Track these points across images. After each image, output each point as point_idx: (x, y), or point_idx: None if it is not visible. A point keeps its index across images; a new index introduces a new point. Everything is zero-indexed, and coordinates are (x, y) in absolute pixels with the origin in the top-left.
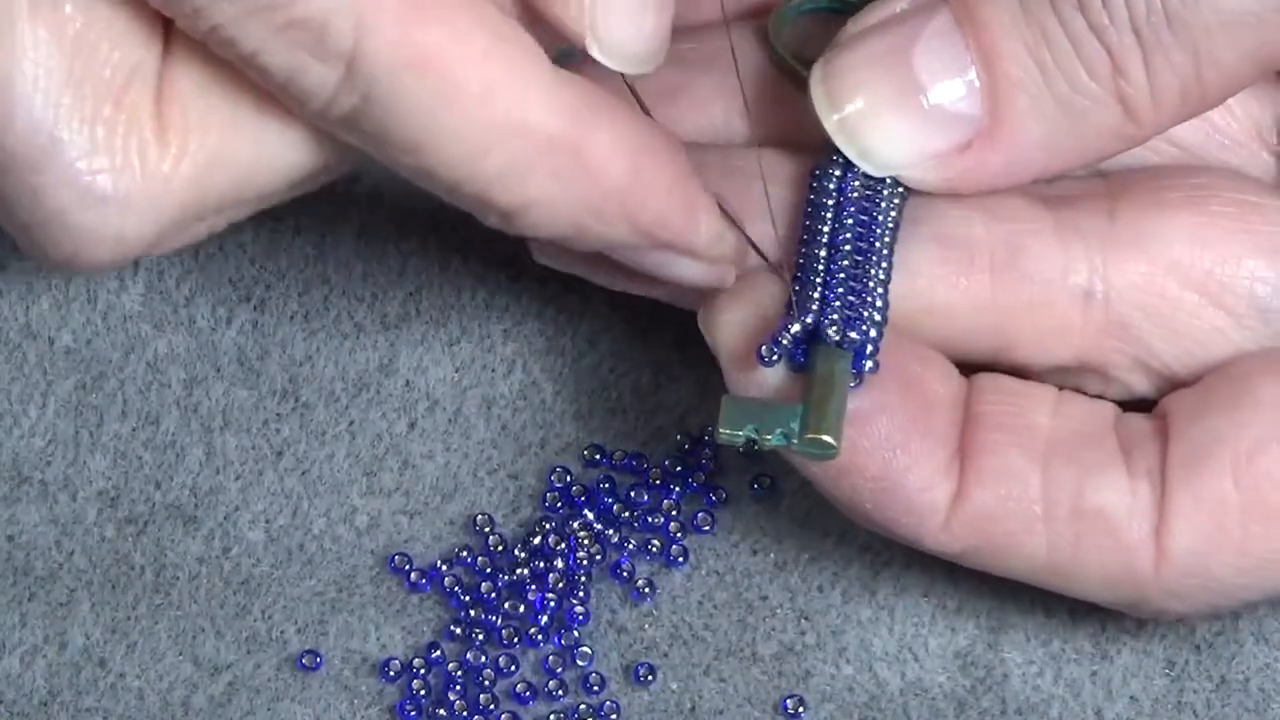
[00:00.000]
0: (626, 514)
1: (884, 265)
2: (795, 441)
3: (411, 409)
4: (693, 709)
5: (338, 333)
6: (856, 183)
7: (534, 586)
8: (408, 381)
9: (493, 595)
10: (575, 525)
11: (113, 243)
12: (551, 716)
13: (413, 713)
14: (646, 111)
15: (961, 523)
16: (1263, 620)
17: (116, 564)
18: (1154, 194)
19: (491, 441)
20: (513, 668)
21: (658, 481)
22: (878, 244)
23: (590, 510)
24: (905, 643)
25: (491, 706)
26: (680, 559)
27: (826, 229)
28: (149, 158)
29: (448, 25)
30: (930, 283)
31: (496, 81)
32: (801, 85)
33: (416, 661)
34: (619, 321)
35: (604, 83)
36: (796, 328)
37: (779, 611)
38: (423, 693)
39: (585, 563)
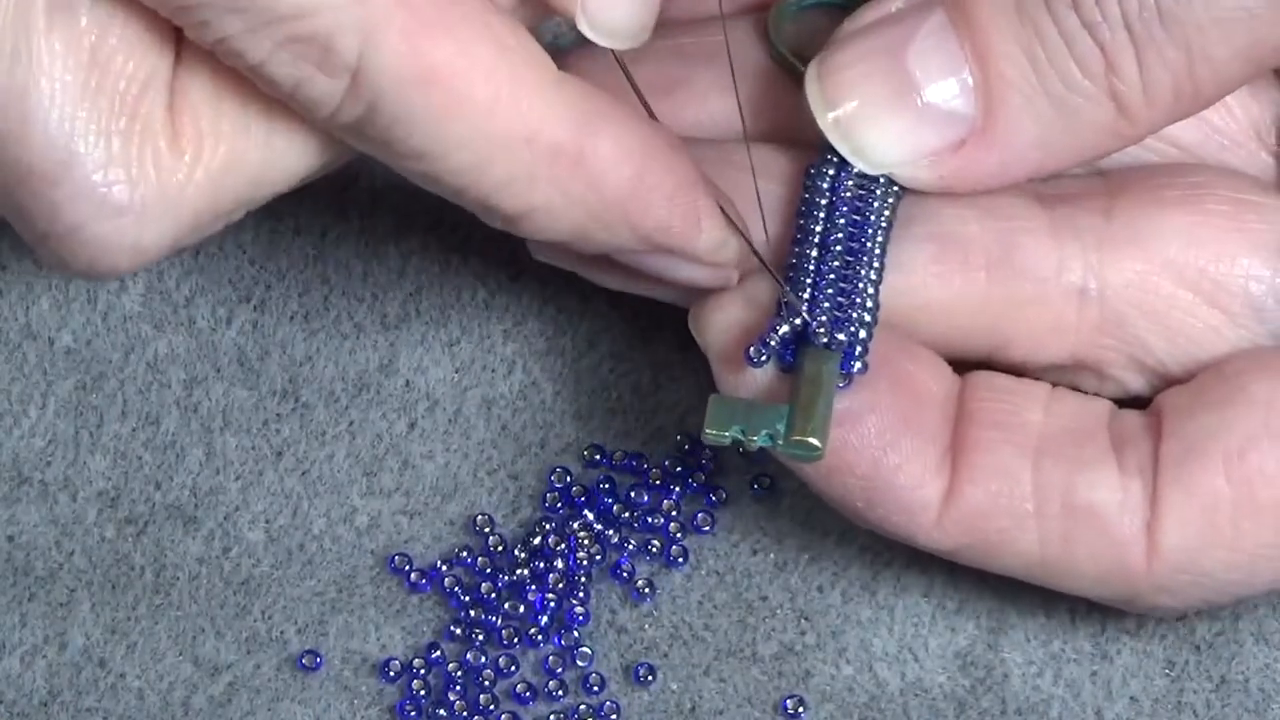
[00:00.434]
0: (626, 514)
1: (875, 265)
2: (781, 443)
3: (411, 409)
4: (693, 709)
5: (338, 333)
6: (850, 181)
7: (534, 587)
8: (408, 381)
9: (493, 595)
10: (575, 525)
11: (130, 252)
12: (551, 717)
13: (413, 713)
14: (646, 107)
15: (954, 520)
16: (1263, 620)
17: (116, 564)
18: (1150, 192)
19: (491, 441)
20: (513, 668)
21: (658, 481)
22: (869, 244)
23: (590, 510)
24: (905, 643)
25: (491, 707)
26: (680, 559)
27: (819, 228)
28: (164, 167)
29: (453, 38)
30: (925, 280)
31: (501, 93)
32: (800, 81)
33: (416, 661)
34: (619, 321)
35: (607, 88)
36: (785, 329)
37: (779, 611)
38: (423, 693)
39: (585, 563)
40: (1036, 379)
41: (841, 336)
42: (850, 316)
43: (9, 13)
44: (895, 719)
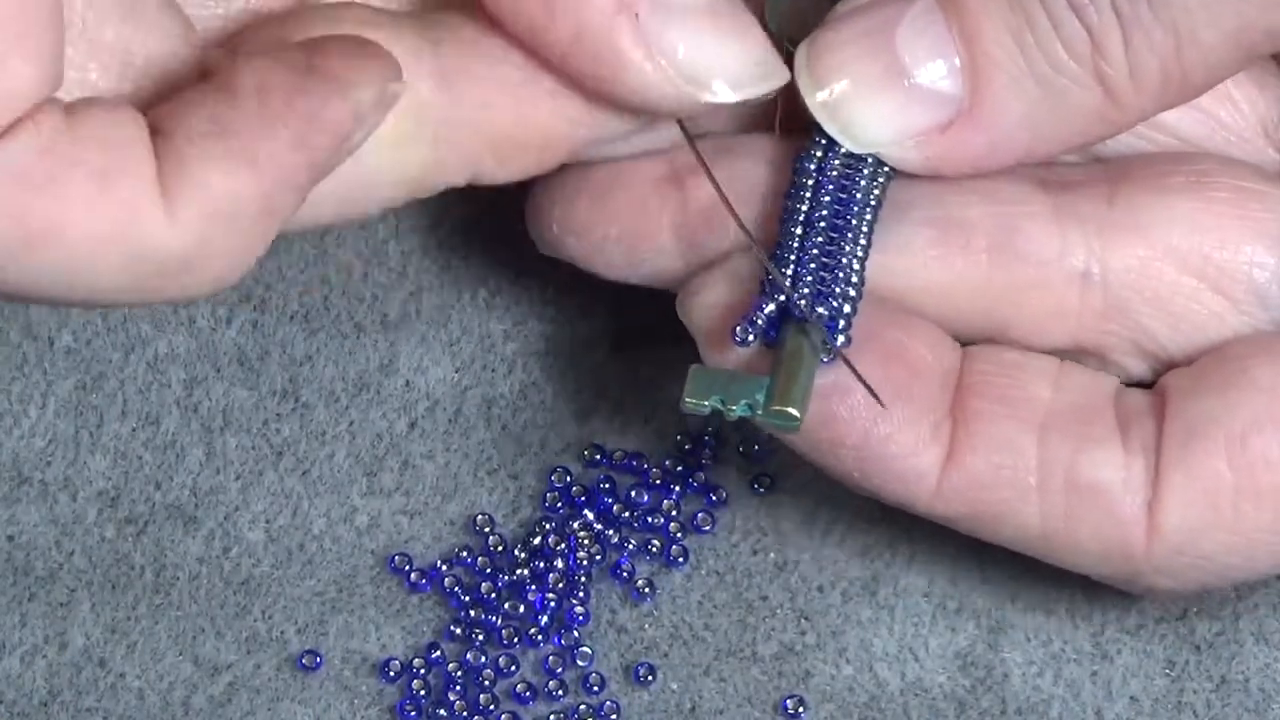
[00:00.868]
0: (626, 514)
1: (861, 243)
2: (760, 413)
3: (411, 409)
4: (693, 709)
5: (338, 333)
6: (837, 162)
7: (534, 586)
8: (408, 381)
9: (493, 595)
10: (575, 525)
11: None
12: (551, 716)
13: (413, 713)
14: (704, 166)
15: (954, 489)
16: (1263, 620)
17: (116, 564)
18: (1154, 179)
19: (491, 441)
20: (513, 668)
21: (658, 481)
22: (854, 221)
23: (590, 510)
24: (905, 643)
25: (491, 706)
26: (680, 559)
27: (804, 206)
28: None
29: (52, 194)
30: (926, 263)
31: (113, 228)
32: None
33: (416, 661)
34: (619, 321)
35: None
36: (770, 307)
37: (779, 611)
38: (423, 693)
39: (585, 563)
40: None
41: (822, 310)
42: (833, 291)
43: None
44: (895, 719)
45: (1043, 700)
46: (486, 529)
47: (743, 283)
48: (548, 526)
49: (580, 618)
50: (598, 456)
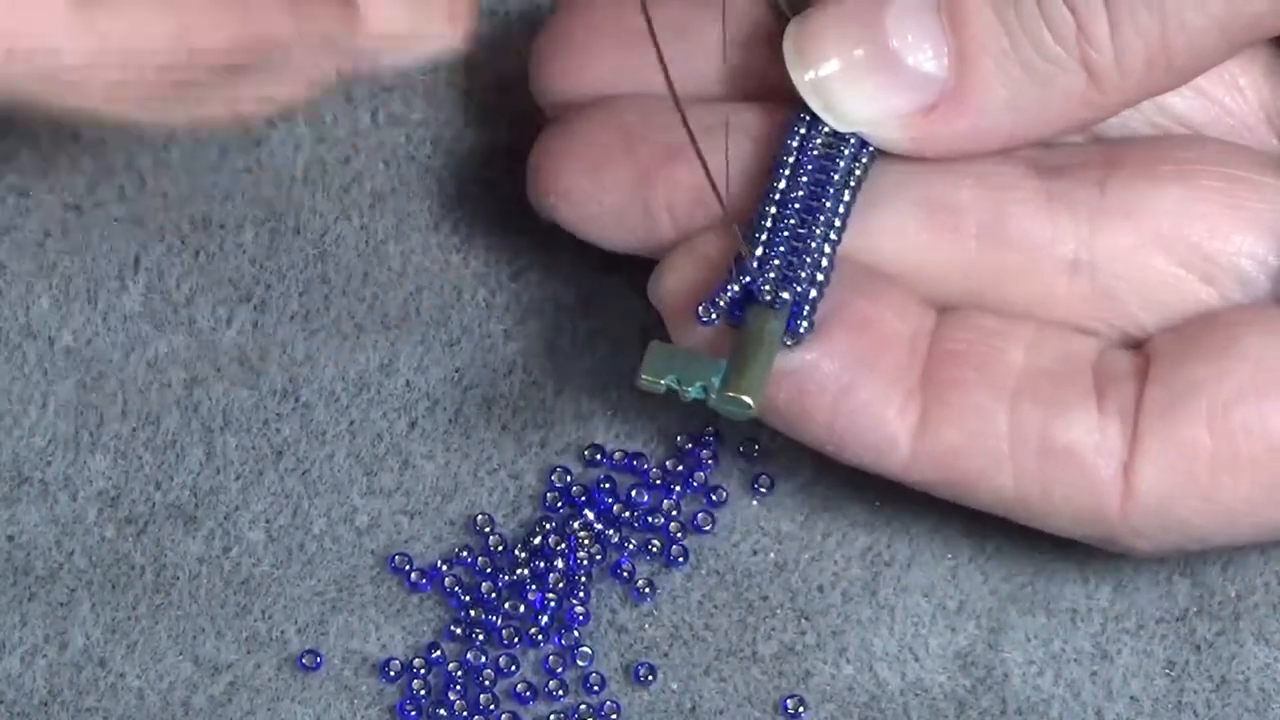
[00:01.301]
0: (626, 514)
1: (834, 225)
2: (714, 396)
3: (411, 409)
4: (693, 709)
5: (338, 333)
6: (819, 141)
7: (534, 586)
8: (408, 381)
9: (493, 595)
10: (575, 525)
11: None
12: (551, 716)
13: (413, 713)
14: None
15: (928, 457)
16: (1263, 620)
17: (116, 564)
18: (1146, 166)
19: (491, 441)
20: (513, 668)
21: (658, 481)
22: (829, 203)
23: (590, 510)
24: (905, 643)
25: (491, 706)
26: (680, 559)
27: (781, 185)
28: None
29: None
30: (916, 245)
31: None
32: None
33: (416, 661)
34: (619, 322)
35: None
36: (735, 289)
37: (779, 611)
38: (423, 693)
39: (585, 563)
40: None
41: (786, 295)
42: (799, 276)
43: None
44: (895, 719)
45: (1043, 700)
46: (486, 529)
47: (712, 261)
48: (548, 526)
49: (580, 618)
50: (598, 456)
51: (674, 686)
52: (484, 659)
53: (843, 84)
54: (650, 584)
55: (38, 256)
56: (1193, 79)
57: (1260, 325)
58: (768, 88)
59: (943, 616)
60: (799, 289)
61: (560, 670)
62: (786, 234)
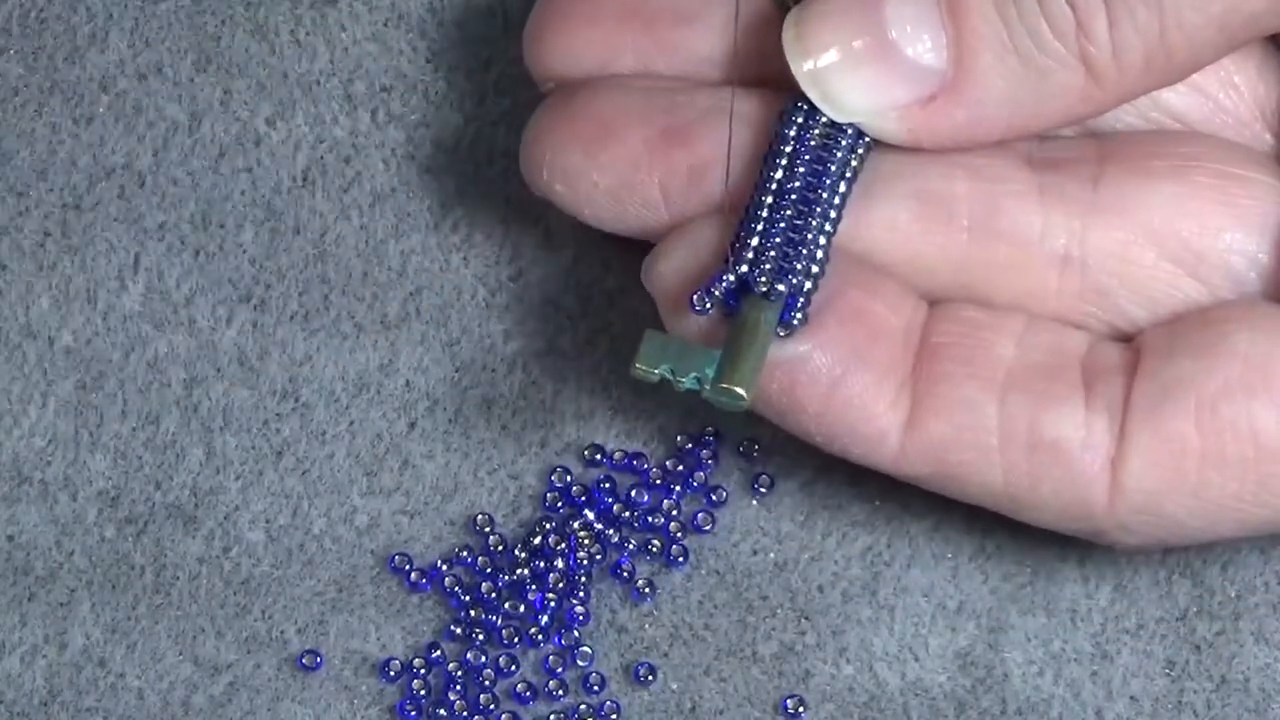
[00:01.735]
0: (626, 514)
1: (830, 216)
2: (708, 388)
3: (411, 409)
4: (693, 709)
5: (338, 333)
6: (816, 130)
7: (534, 586)
8: (408, 381)
9: (493, 595)
10: (575, 525)
11: None
12: (551, 716)
13: (413, 713)
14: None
15: (917, 450)
16: (1263, 620)
17: (116, 564)
18: (1140, 161)
19: (491, 441)
20: (513, 668)
21: (658, 481)
22: (826, 194)
23: (590, 510)
24: (905, 643)
25: (491, 706)
26: (680, 559)
27: (778, 175)
28: None
29: None
30: (909, 238)
31: None
32: None
33: (416, 661)
34: (619, 322)
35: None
36: (730, 279)
37: (779, 611)
38: (423, 693)
39: (585, 563)
40: None
41: (782, 287)
42: (794, 268)
43: None
44: (895, 719)
45: (1043, 700)
46: (486, 529)
47: (708, 249)
48: (548, 526)
49: (580, 618)
50: (598, 456)
51: (674, 686)
52: (484, 659)
53: (841, 74)
54: (650, 584)
55: (38, 256)
56: (1191, 75)
57: (1249, 322)
58: (766, 75)
59: (943, 616)
60: (794, 280)
61: (560, 670)
62: (782, 224)
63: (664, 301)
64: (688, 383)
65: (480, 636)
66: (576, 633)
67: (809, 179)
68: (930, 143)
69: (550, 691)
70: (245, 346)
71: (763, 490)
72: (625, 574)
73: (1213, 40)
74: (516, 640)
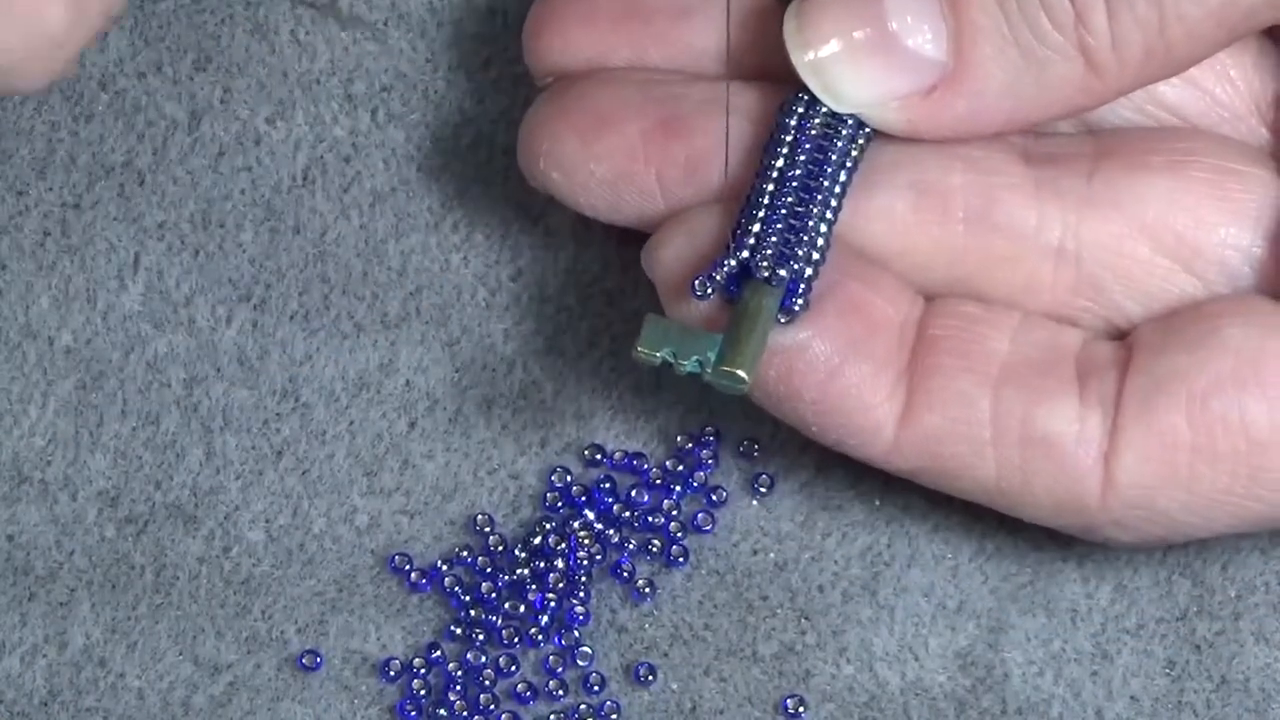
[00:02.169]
0: (626, 514)
1: (831, 205)
2: (709, 371)
3: (411, 409)
4: (693, 709)
5: (338, 333)
6: (816, 120)
7: (534, 586)
8: (408, 381)
9: (493, 595)
10: (575, 525)
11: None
12: (552, 716)
13: (413, 713)
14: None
15: (910, 443)
16: (1263, 620)
17: (116, 564)
18: (1135, 156)
19: (491, 441)
20: (513, 668)
21: (658, 481)
22: (827, 183)
23: (590, 510)
24: (905, 643)
25: (492, 706)
26: (680, 559)
27: (779, 163)
28: None
29: None
30: (904, 229)
31: None
32: None
33: (416, 661)
34: (619, 321)
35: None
36: (732, 264)
37: (779, 611)
38: (423, 693)
39: (585, 563)
40: None
41: (783, 273)
42: (796, 254)
43: None
44: (895, 719)
45: (1043, 700)
46: (486, 529)
47: (708, 236)
48: (548, 526)
49: (580, 618)
50: (598, 456)
51: (674, 686)
52: (484, 659)
53: (842, 65)
54: (650, 584)
55: (38, 256)
56: (1190, 68)
57: (1242, 316)
58: (763, 68)
59: (943, 616)
60: (796, 266)
61: (560, 670)
62: (784, 211)
63: (664, 286)
64: (689, 366)
65: (480, 636)
66: (576, 633)
67: (810, 167)
68: (930, 133)
69: (550, 691)
70: (245, 346)
71: (763, 490)
72: (625, 574)
73: (1211, 33)
74: (516, 640)
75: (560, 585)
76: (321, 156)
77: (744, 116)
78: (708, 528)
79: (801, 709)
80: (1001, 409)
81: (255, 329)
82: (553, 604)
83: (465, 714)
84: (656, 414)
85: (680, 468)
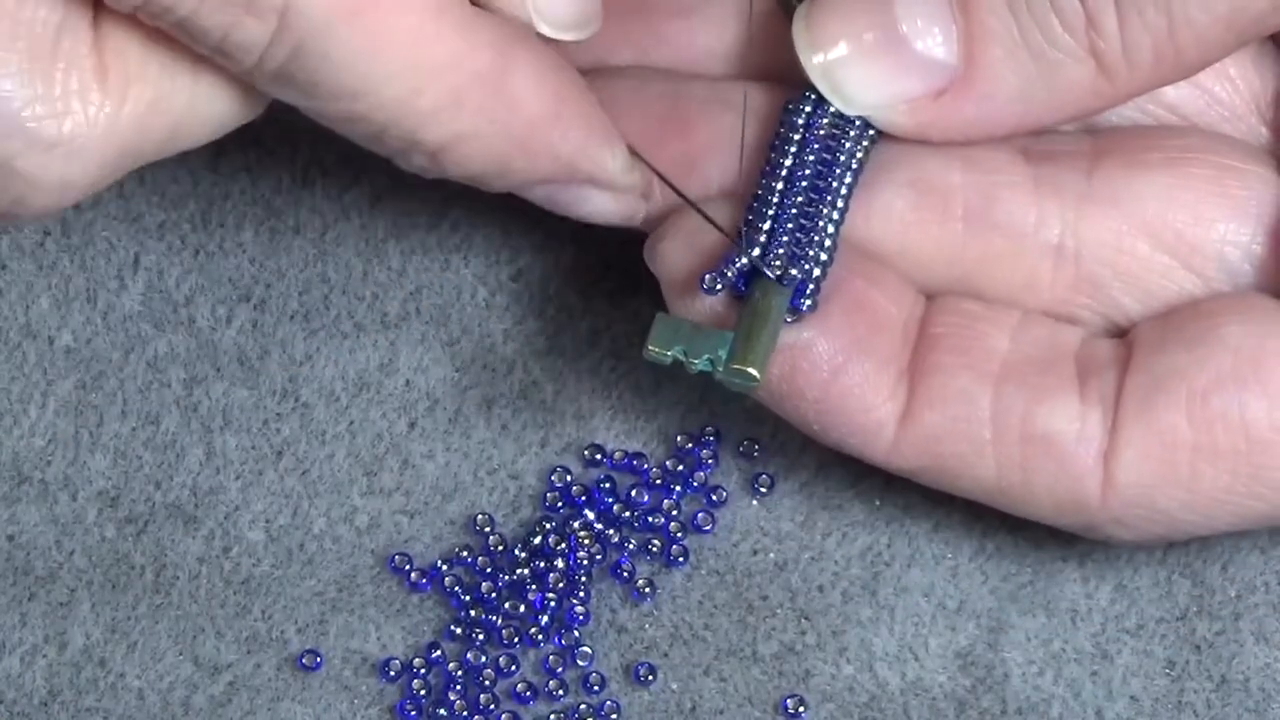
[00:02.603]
0: (626, 514)
1: (839, 205)
2: (720, 369)
3: (411, 409)
4: (693, 709)
5: (338, 333)
6: (825, 120)
7: (534, 586)
8: (408, 381)
9: (493, 595)
10: (575, 525)
11: (58, 188)
12: (552, 716)
13: (413, 713)
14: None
15: (910, 443)
16: (1263, 620)
17: (116, 564)
18: (1135, 154)
19: (491, 441)
20: (513, 668)
21: (658, 481)
22: (835, 183)
23: (590, 510)
24: (905, 643)
25: (492, 706)
26: (680, 559)
27: (787, 162)
28: (91, 103)
29: None
30: (904, 227)
31: (425, 21)
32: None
33: (416, 661)
34: (619, 321)
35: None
36: (743, 260)
37: (779, 611)
38: (423, 693)
39: (585, 563)
40: None
41: (794, 272)
42: (806, 254)
43: None
44: (895, 719)
45: (1043, 700)
46: (486, 529)
47: (712, 232)
48: (548, 526)
49: (580, 618)
50: (598, 456)
51: (674, 686)
52: (484, 659)
53: (851, 68)
54: (650, 584)
55: (38, 256)
56: (1200, 71)
57: (1241, 314)
58: (766, 68)
59: (943, 616)
60: (806, 266)
61: (560, 670)
62: (794, 210)
63: (667, 281)
64: (700, 364)
65: (480, 636)
66: (576, 633)
67: (819, 168)
68: (939, 136)
69: (550, 691)
70: (245, 346)
71: (763, 490)
72: (625, 574)
73: (1220, 38)
74: (516, 640)
75: (560, 585)
76: (321, 157)
77: (749, 115)
78: (708, 528)
79: (801, 709)
80: (1002, 407)
81: (255, 329)
82: (553, 604)
83: (465, 714)
84: (656, 414)
85: (680, 468)
